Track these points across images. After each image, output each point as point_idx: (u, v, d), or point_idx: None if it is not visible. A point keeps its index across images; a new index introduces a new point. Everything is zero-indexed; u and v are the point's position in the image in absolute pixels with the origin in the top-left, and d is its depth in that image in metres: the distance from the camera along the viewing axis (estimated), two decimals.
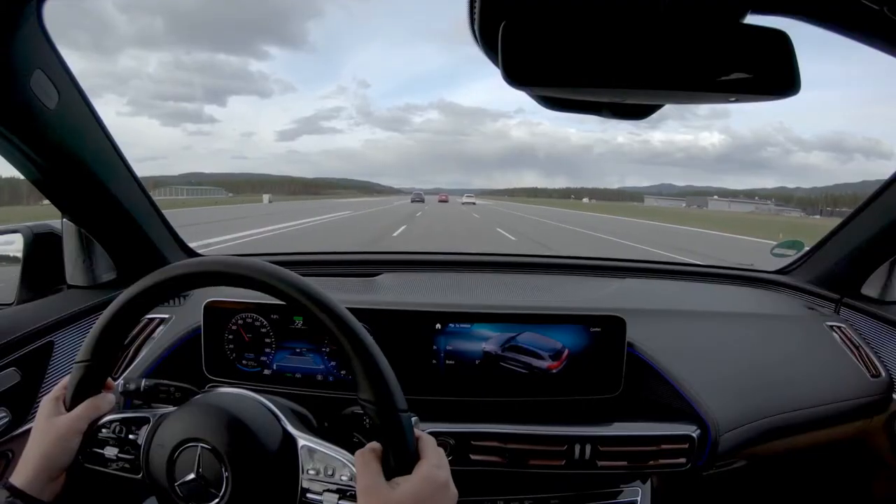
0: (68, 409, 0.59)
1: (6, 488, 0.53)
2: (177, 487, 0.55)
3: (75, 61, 0.75)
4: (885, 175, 1.07)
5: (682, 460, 0.85)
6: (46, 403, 0.59)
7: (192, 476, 0.54)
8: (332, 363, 0.91)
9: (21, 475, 0.54)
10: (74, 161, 0.85)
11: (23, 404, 0.83)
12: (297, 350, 0.91)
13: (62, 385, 0.60)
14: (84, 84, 0.79)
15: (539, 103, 0.61)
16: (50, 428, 0.57)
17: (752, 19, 0.51)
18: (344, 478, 0.55)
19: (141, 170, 0.97)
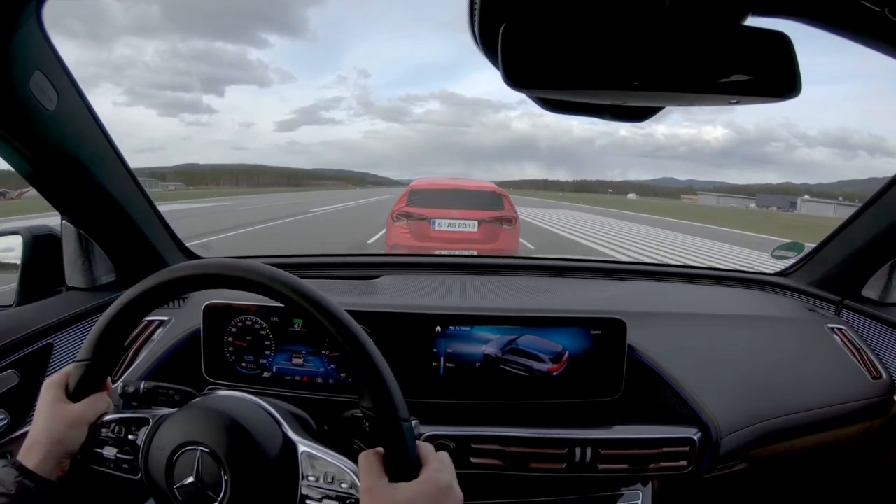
0: (72, 400, 0.58)
1: (15, 468, 0.53)
2: (175, 490, 0.54)
3: (70, 50, 0.75)
4: (891, 173, 1.07)
5: (683, 463, 0.85)
6: (50, 388, 0.59)
7: (190, 479, 0.54)
8: (332, 366, 0.91)
9: (28, 458, 0.54)
10: (73, 162, 0.85)
11: (22, 406, 0.83)
12: (297, 353, 0.91)
13: (65, 372, 0.60)
14: (80, 74, 0.80)
15: (540, 105, 0.61)
16: (60, 413, 0.57)
17: (752, 21, 0.51)
18: (344, 485, 0.54)
19: (139, 161, 0.97)
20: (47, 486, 0.53)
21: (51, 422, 0.56)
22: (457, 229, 5.25)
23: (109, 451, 0.59)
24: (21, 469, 0.53)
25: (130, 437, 0.59)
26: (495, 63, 0.49)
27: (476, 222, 5.28)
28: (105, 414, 0.60)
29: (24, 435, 0.72)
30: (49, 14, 0.67)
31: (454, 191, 5.72)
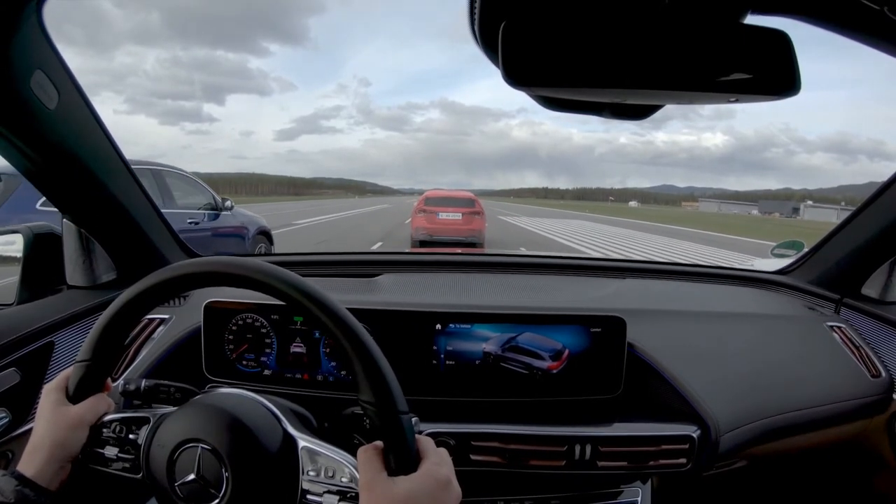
0: (72, 402, 0.59)
1: (15, 478, 0.53)
2: (177, 488, 0.55)
3: (71, 58, 0.75)
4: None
5: (683, 461, 0.85)
6: (50, 392, 0.59)
7: (192, 476, 0.54)
8: (332, 363, 0.91)
9: (30, 464, 0.54)
10: (74, 161, 0.85)
11: (23, 405, 0.83)
12: (298, 351, 0.91)
13: (64, 375, 0.60)
14: (80, 82, 0.80)
15: (539, 103, 0.61)
16: (60, 416, 0.57)
17: (752, 19, 0.51)
18: (344, 479, 0.55)
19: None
20: (47, 495, 0.53)
21: (52, 426, 0.57)
22: (450, 217, 9.82)
23: (110, 451, 0.59)
24: (21, 479, 0.53)
25: (131, 436, 0.59)
26: (495, 61, 0.49)
27: (460, 214, 9.86)
28: (106, 414, 0.60)
29: (25, 433, 0.73)
30: (49, 19, 0.67)
31: (449, 197, 10.44)
